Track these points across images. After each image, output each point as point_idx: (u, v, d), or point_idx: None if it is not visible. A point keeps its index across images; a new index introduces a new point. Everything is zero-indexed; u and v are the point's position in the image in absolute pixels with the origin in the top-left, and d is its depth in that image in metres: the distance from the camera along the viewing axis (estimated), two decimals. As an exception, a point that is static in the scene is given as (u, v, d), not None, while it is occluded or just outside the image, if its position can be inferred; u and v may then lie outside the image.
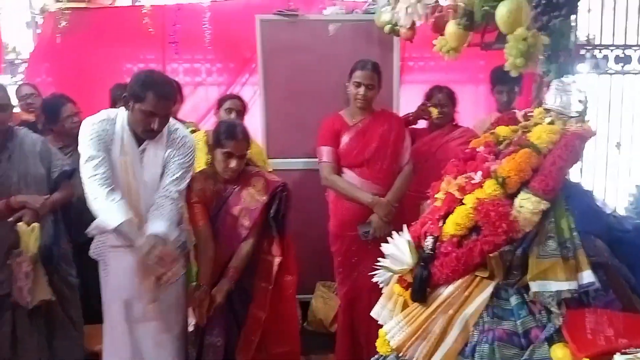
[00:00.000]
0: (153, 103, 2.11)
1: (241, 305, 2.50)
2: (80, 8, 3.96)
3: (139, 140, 2.24)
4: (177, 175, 2.25)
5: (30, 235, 2.40)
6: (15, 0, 4.49)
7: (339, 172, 2.92)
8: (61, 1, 3.90)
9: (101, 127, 2.19)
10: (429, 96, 3.24)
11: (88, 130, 2.19)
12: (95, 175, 2.12)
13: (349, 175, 2.91)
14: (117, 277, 2.31)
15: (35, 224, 2.41)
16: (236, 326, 2.50)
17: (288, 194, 2.55)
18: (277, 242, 2.53)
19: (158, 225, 2.13)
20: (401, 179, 2.92)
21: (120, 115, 2.24)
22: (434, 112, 3.14)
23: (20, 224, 2.40)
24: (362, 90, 2.83)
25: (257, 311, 2.47)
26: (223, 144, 2.41)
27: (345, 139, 2.90)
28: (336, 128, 2.92)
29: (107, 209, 2.09)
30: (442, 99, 3.19)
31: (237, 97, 3.21)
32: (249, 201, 2.46)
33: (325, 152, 2.91)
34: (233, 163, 2.41)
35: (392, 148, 2.90)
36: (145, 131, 2.18)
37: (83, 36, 3.85)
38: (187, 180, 2.33)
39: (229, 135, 2.43)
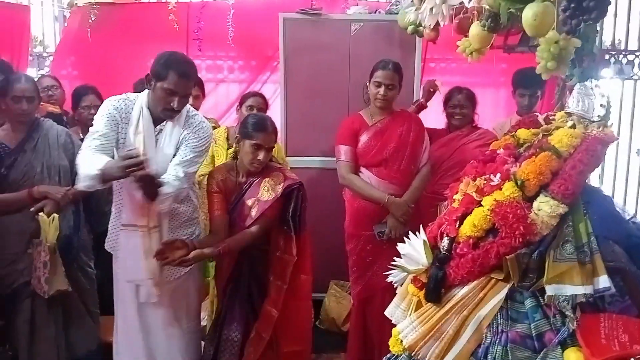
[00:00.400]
0: (174, 81, 2.15)
1: (260, 301, 2.52)
2: (107, 3, 4.05)
3: (156, 122, 2.27)
4: (188, 157, 2.26)
5: (50, 225, 2.44)
6: (44, -6, 4.59)
7: (356, 172, 2.93)
8: (90, -3, 3.98)
9: (116, 105, 2.25)
10: (448, 97, 3.24)
11: (104, 108, 2.26)
12: (90, 145, 2.18)
13: (366, 174, 2.91)
14: (126, 256, 2.33)
15: (55, 215, 2.45)
16: (254, 321, 2.52)
17: (304, 193, 2.56)
18: (293, 242, 2.54)
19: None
20: (419, 179, 2.92)
21: (141, 97, 2.28)
22: (438, 84, 3.23)
23: (41, 214, 2.44)
24: (382, 90, 2.83)
25: (270, 308, 2.49)
26: (252, 135, 2.42)
27: (364, 138, 2.91)
28: (355, 127, 2.93)
29: (89, 158, 2.11)
30: (462, 100, 3.18)
31: (259, 95, 3.24)
32: (262, 193, 2.48)
33: (344, 151, 2.93)
34: (261, 155, 2.42)
35: (410, 148, 2.90)
36: (165, 110, 2.21)
37: (109, 31, 3.92)
38: (197, 166, 2.34)
39: (259, 127, 2.44)
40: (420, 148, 2.94)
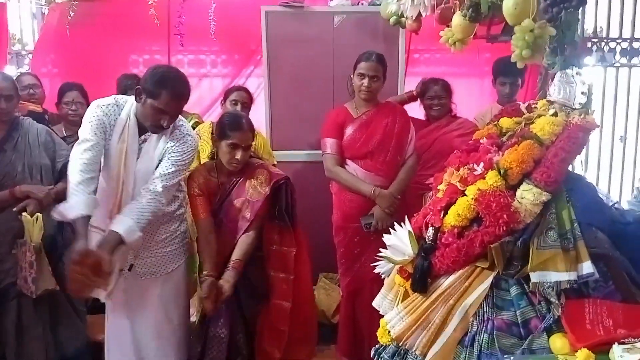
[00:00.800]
0: (166, 101, 2.09)
1: (246, 296, 2.51)
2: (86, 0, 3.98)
3: (142, 130, 2.22)
4: (169, 171, 2.20)
5: (34, 225, 2.42)
6: (21, -9, 4.51)
7: (342, 164, 2.93)
8: (68, -8, 3.92)
9: (105, 111, 2.17)
10: (424, 89, 3.23)
11: (91, 113, 2.17)
12: (81, 158, 2.09)
13: (353, 167, 2.91)
14: None
15: (39, 214, 2.43)
16: (241, 317, 2.51)
17: (291, 186, 2.56)
18: (291, 234, 2.56)
19: (121, 222, 2.07)
20: (405, 171, 2.92)
21: (130, 102, 2.22)
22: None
23: (24, 213, 2.42)
24: (366, 81, 2.82)
25: (280, 302, 2.51)
26: (228, 135, 2.40)
27: (349, 130, 2.91)
28: (340, 120, 2.93)
29: (75, 196, 2.03)
30: (439, 91, 3.18)
31: (244, 89, 3.21)
32: (251, 193, 2.47)
33: (329, 143, 2.92)
34: (239, 154, 2.40)
35: (395, 140, 2.90)
36: (154, 126, 2.17)
37: (89, 27, 3.86)
38: (177, 179, 2.27)
39: (235, 126, 2.42)
40: (406, 139, 2.95)
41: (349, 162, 2.93)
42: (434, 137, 3.16)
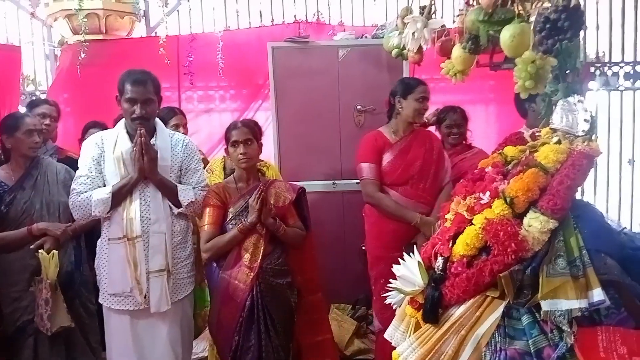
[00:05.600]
0: (130, 89, 2.35)
1: (275, 333, 2.46)
2: (97, 40, 4.10)
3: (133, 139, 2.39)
4: (195, 178, 2.53)
5: (50, 262, 2.45)
6: (34, 33, 4.65)
7: (382, 190, 2.89)
8: (79, 34, 4.04)
9: (94, 141, 2.46)
10: (443, 117, 3.26)
11: (83, 149, 2.48)
12: (78, 190, 2.39)
13: (392, 194, 2.87)
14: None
15: (55, 251, 2.47)
16: (266, 353, 2.43)
17: (306, 196, 2.73)
18: (309, 239, 2.69)
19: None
20: (444, 197, 2.85)
21: (121, 123, 2.48)
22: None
23: (41, 251, 2.46)
24: (425, 104, 2.88)
25: (313, 296, 2.69)
26: (229, 137, 2.57)
27: (387, 156, 2.88)
28: (379, 145, 2.89)
29: (89, 197, 2.35)
30: (458, 119, 3.23)
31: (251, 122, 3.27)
32: (276, 200, 2.55)
33: (368, 168, 2.88)
34: (240, 149, 2.51)
35: (435, 167, 2.89)
36: (132, 120, 2.38)
37: (100, 67, 3.96)
38: (204, 172, 2.63)
39: (231, 127, 2.60)
40: (443, 166, 2.94)
41: (387, 189, 2.89)
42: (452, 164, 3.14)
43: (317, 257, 2.75)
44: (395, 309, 2.80)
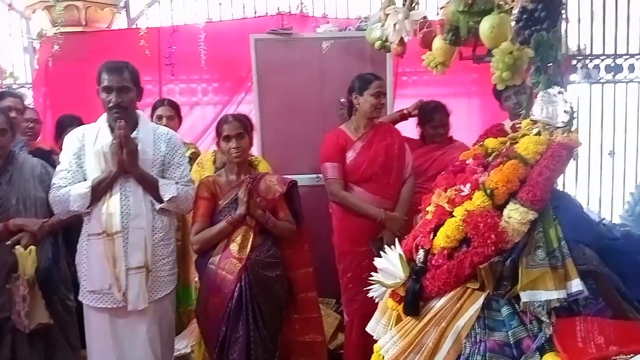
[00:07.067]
0: (105, 77, 2.33)
1: (263, 324, 2.48)
2: (76, 32, 4.03)
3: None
4: (178, 173, 2.46)
5: (28, 258, 2.41)
6: (12, 25, 4.56)
7: (346, 188, 2.91)
8: (57, 26, 3.96)
9: (72, 137, 2.43)
10: (428, 118, 3.24)
11: (65, 144, 2.45)
12: (58, 184, 2.37)
13: (357, 190, 2.89)
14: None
15: (32, 247, 2.43)
16: (254, 344, 2.45)
17: (297, 189, 2.72)
18: (301, 232, 2.69)
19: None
20: (406, 191, 2.92)
21: (103, 116, 2.43)
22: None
23: (17, 247, 2.42)
24: (382, 99, 2.87)
25: (306, 294, 2.68)
26: (221, 131, 2.57)
27: (350, 154, 2.90)
28: (341, 143, 2.91)
29: (68, 192, 2.33)
30: (443, 119, 3.23)
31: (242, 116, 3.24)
32: (265, 192, 2.56)
33: (332, 168, 2.90)
34: (232, 142, 2.52)
35: (397, 162, 2.91)
36: (110, 110, 2.35)
37: (80, 60, 3.90)
38: (188, 166, 2.55)
39: (222, 121, 2.61)
40: (405, 160, 2.96)
41: (352, 186, 2.91)
42: (432, 158, 3.17)
43: (310, 250, 2.75)
44: (362, 302, 2.87)
